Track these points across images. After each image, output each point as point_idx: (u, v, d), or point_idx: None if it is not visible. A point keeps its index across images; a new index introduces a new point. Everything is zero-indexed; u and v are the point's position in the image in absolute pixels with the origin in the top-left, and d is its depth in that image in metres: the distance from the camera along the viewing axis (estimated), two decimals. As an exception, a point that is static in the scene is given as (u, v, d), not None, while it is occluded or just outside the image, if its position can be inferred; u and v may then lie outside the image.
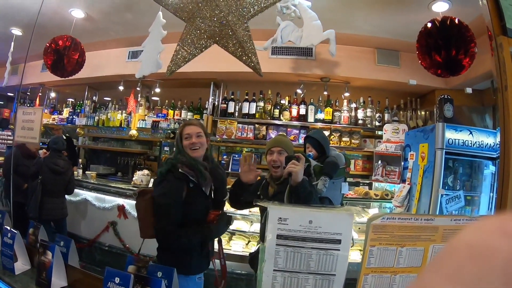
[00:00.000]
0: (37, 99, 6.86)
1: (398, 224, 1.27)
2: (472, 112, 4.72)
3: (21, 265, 2.26)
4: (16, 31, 5.21)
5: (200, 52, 2.89)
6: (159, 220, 2.08)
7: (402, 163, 4.20)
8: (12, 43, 5.12)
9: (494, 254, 0.29)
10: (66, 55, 4.22)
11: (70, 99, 6.73)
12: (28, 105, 7.03)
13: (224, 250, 4.15)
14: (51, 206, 4.36)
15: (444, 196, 3.55)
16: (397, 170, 4.27)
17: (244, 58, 2.86)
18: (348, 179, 4.86)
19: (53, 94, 6.93)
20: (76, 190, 4.88)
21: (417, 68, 4.46)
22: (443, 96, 4.04)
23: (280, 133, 4.63)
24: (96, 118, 6.00)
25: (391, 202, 4.09)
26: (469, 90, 4.36)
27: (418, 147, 3.82)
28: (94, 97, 6.46)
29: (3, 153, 6.51)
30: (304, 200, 1.93)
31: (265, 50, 3.67)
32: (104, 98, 6.44)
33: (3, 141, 7.08)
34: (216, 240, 2.26)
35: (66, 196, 4.62)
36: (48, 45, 4.19)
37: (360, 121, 4.67)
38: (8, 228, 2.32)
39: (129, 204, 4.51)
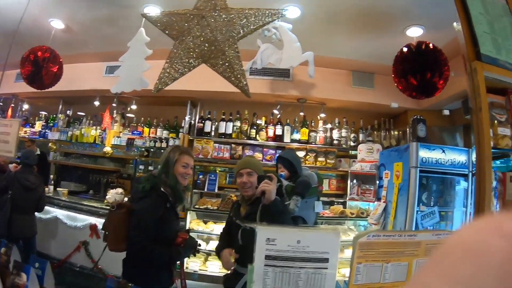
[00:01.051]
0: (9, 110, 6.62)
1: (383, 241, 1.33)
2: (443, 131, 4.88)
3: None
4: None
5: (189, 71, 2.92)
6: (137, 234, 2.15)
7: (377, 181, 4.34)
8: None
9: (490, 253, 0.28)
10: (45, 67, 4.10)
11: (43, 112, 6.55)
12: (0, 116, 6.70)
13: (200, 270, 4.13)
14: (20, 223, 4.17)
15: (419, 212, 3.64)
16: (372, 188, 4.37)
17: (232, 79, 2.89)
18: (322, 198, 4.91)
19: (26, 106, 6.75)
20: (46, 208, 4.71)
21: (391, 90, 4.65)
22: (416, 116, 4.17)
23: (248, 154, 4.67)
24: (70, 133, 5.84)
25: (366, 220, 4.22)
26: (446, 112, 4.49)
27: (393, 166, 3.92)
28: (68, 111, 6.27)
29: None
30: (277, 219, 1.97)
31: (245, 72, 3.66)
32: (78, 113, 6.29)
33: None
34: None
35: (36, 213, 4.45)
36: (26, 55, 4.07)
37: (335, 141, 4.81)
38: None
39: (102, 223, 4.25)
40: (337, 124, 4.84)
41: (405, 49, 3.35)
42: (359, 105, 4.84)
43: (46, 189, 5.01)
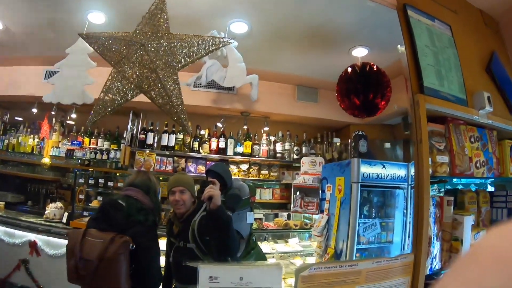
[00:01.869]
0: None
1: (325, 273, 1.38)
2: (384, 144, 5.00)
3: None
4: None
5: (126, 101, 2.68)
6: (156, 274, 2.20)
7: (320, 194, 4.29)
8: None
9: None
10: None
11: None
12: None
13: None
14: None
15: (361, 224, 3.70)
16: (315, 201, 4.42)
17: (172, 114, 2.74)
18: (265, 209, 4.91)
19: None
20: None
21: (334, 105, 4.69)
22: (357, 132, 4.26)
23: (180, 172, 4.58)
24: (6, 141, 5.56)
25: (310, 231, 4.34)
26: (387, 145, 4.63)
27: (335, 180, 3.95)
28: (4, 117, 5.90)
29: None
30: (224, 224, 1.98)
31: (189, 86, 3.58)
32: (16, 118, 5.96)
33: None
34: None
35: None
36: None
37: (278, 154, 4.91)
38: None
39: (42, 240, 4.23)
40: (280, 137, 4.93)
41: (349, 69, 3.42)
42: (302, 119, 4.96)
43: None
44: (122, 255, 2.02)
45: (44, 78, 5.03)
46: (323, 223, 3.99)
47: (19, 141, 5.42)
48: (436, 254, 2.27)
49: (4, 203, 5.02)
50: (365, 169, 3.73)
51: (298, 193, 4.62)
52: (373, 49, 3.68)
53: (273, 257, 4.03)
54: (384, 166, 3.94)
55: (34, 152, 5.35)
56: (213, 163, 4.19)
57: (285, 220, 4.63)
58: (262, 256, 2.99)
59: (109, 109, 2.75)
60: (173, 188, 2.28)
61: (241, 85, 3.44)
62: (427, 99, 2.07)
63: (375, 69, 3.39)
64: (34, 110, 5.21)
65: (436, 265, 2.26)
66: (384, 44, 3.49)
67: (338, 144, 5.06)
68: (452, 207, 2.38)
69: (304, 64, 4.26)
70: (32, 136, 5.40)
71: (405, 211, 3.99)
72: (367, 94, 3.40)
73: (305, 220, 4.65)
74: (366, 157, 4.03)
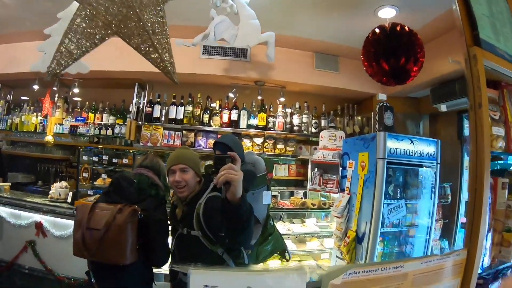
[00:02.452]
0: None
1: (363, 278, 1.04)
2: (407, 118, 4.56)
3: None
4: None
5: (94, 46, 2.22)
6: (163, 250, 2.11)
7: (340, 171, 3.97)
8: None
9: None
10: None
11: None
12: None
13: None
14: None
15: (385, 206, 3.39)
16: (334, 178, 4.00)
17: (152, 55, 2.17)
18: (281, 187, 4.49)
19: None
20: None
21: (356, 74, 4.47)
22: (382, 103, 3.80)
23: (183, 146, 4.17)
24: (9, 121, 5.38)
25: (329, 211, 4.03)
26: (444, 107, 4.19)
27: (358, 156, 3.63)
28: (8, 96, 5.75)
29: None
30: (244, 219, 1.53)
31: (194, 47, 3.22)
32: (22, 98, 5.75)
33: None
34: None
35: None
36: None
37: (295, 127, 4.54)
38: None
39: (48, 221, 4.09)
40: (297, 109, 4.58)
41: (377, 30, 3.03)
42: (321, 89, 4.58)
43: None
44: (129, 224, 1.99)
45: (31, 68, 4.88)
46: (344, 203, 3.68)
47: (22, 120, 5.25)
48: (488, 248, 1.90)
49: (9, 184, 4.86)
50: (392, 144, 3.41)
51: (316, 169, 4.24)
52: (402, 9, 3.30)
53: (288, 237, 3.76)
54: (412, 142, 3.58)
55: (37, 130, 5.17)
56: (222, 135, 3.64)
57: (302, 198, 4.26)
58: (281, 244, 2.61)
59: (75, 56, 2.26)
60: (173, 166, 1.98)
61: (255, 44, 3.09)
62: (484, 53, 1.62)
63: (406, 29, 2.99)
64: (36, 87, 5.00)
65: (487, 262, 1.89)
66: (414, 3, 3.17)
67: (359, 118, 4.62)
68: (506, 191, 1.98)
69: (323, 28, 3.88)
70: (35, 114, 5.22)
71: (432, 193, 3.69)
72: (398, 58, 2.98)
73: (323, 199, 4.26)
74: (392, 131, 3.63)
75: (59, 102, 5.07)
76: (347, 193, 3.67)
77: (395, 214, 3.45)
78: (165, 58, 2.18)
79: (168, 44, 2.22)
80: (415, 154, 3.49)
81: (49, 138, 4.97)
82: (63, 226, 4.03)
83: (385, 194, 3.37)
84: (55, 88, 4.94)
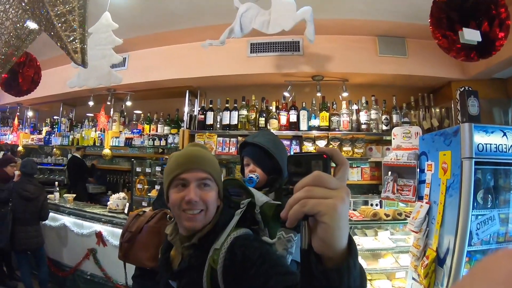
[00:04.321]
0: (16, 119, 6.70)
1: None
2: (494, 105, 3.93)
3: None
4: None
5: (22, 42, 2.06)
6: None
7: (418, 175, 3.32)
8: None
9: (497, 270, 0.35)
10: (21, 72, 3.80)
11: (54, 117, 6.53)
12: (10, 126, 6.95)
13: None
14: (24, 235, 4.08)
15: (474, 218, 2.65)
16: (411, 184, 3.34)
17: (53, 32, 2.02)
18: (353, 194, 3.91)
19: (30, 113, 6.73)
20: (55, 215, 4.71)
21: (428, 57, 3.78)
22: (464, 88, 3.13)
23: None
24: (71, 137, 5.67)
25: (405, 223, 3.43)
26: None
27: (438, 156, 2.95)
28: (70, 114, 6.18)
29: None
30: None
31: (223, 45, 2.81)
32: (87, 114, 6.15)
33: None
34: None
35: (43, 222, 4.40)
36: None
37: (363, 126, 4.01)
38: None
39: (107, 231, 4.27)
40: (364, 105, 4.16)
41: None
42: (389, 79, 4.07)
43: (52, 196, 5.07)
44: (159, 227, 1.95)
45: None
46: (422, 214, 3.07)
47: (83, 135, 5.46)
48: None
49: (74, 195, 5.20)
50: (480, 138, 2.71)
51: (389, 173, 3.65)
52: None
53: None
54: (505, 134, 2.81)
55: (96, 144, 5.34)
56: (255, 133, 2.56)
57: (375, 208, 3.76)
58: None
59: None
60: (184, 173, 1.14)
61: (292, 25, 2.70)
62: None
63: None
64: (91, 103, 5.20)
65: None
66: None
67: (437, 110, 3.90)
68: None
69: (383, 4, 3.34)
70: (94, 129, 5.42)
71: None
72: (479, 23, 2.36)
73: (401, 205, 3.78)
74: (478, 122, 2.87)
75: (115, 116, 5.18)
76: (426, 202, 3.05)
77: (486, 228, 2.73)
78: (71, 35, 2.00)
79: (82, 24, 1.97)
80: (509, 150, 2.73)
81: (106, 151, 5.12)
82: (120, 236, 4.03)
83: (473, 203, 2.65)
84: (108, 103, 5.02)
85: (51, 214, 4.58)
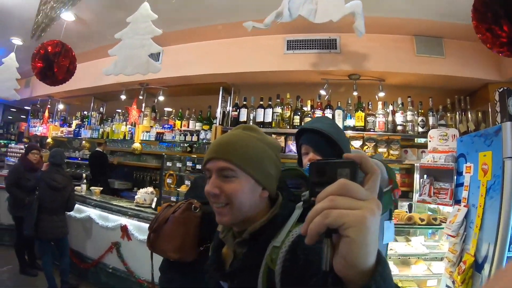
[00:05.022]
0: (46, 112, 6.86)
1: None
2: None
3: None
4: (17, 41, 5.01)
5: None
6: None
7: (455, 178, 3.24)
8: (13, 53, 4.85)
9: None
10: (56, 62, 3.83)
11: (83, 112, 6.69)
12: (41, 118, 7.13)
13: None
14: (48, 224, 4.12)
15: None
16: (448, 187, 3.33)
17: None
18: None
19: (61, 106, 6.87)
20: (81, 207, 4.85)
21: (465, 58, 3.73)
22: (502, 89, 3.06)
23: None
24: (101, 130, 5.77)
25: (441, 228, 3.33)
26: None
27: (478, 157, 2.87)
28: (101, 108, 6.29)
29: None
30: None
31: (267, 28, 2.83)
32: (117, 110, 6.18)
33: (16, 154, 6.93)
34: None
35: (68, 213, 4.45)
36: (36, 51, 3.92)
37: (399, 127, 3.97)
38: None
39: (132, 225, 4.31)
40: (400, 106, 4.14)
41: None
42: (426, 80, 4.01)
43: (79, 188, 5.14)
44: (185, 218, 1.97)
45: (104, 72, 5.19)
46: (460, 218, 2.99)
47: (113, 129, 5.56)
48: None
49: (101, 188, 5.24)
50: None
51: (425, 176, 3.56)
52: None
53: (390, 258, 3.19)
54: None
55: (126, 138, 5.40)
56: (313, 118, 2.69)
57: (407, 212, 3.71)
58: None
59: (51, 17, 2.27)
60: (208, 163, 1.03)
61: (340, 17, 2.66)
62: None
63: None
64: (123, 97, 5.31)
65: None
66: None
67: (473, 113, 3.82)
68: None
69: (421, 3, 3.30)
70: (124, 123, 5.50)
71: None
72: None
73: (430, 212, 3.66)
74: None
75: (147, 111, 5.25)
76: (464, 206, 2.98)
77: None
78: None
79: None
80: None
81: (136, 145, 5.15)
82: (146, 231, 3.93)
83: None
84: (141, 97, 5.07)
85: (76, 206, 4.65)
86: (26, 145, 5.57)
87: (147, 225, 3.96)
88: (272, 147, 1.06)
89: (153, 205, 4.41)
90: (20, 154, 5.58)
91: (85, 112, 6.66)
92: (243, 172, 0.99)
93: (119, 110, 6.14)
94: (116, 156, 7.12)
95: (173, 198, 4.54)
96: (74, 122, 6.49)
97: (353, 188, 0.52)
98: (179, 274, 2.08)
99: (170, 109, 5.58)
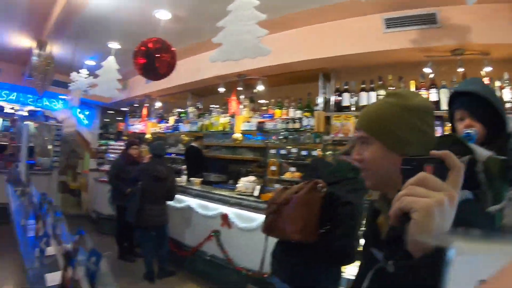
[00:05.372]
0: (144, 110, 8.18)
1: None
2: None
3: (52, 277, 2.06)
4: (114, 45, 5.99)
5: None
6: (352, 235, 2.09)
7: None
8: (111, 57, 5.91)
9: None
10: (157, 57, 4.58)
11: (178, 110, 7.83)
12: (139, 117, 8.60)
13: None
14: (150, 212, 4.92)
15: None
16: None
17: None
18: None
19: (158, 104, 8.18)
20: (180, 197, 5.62)
21: None
22: None
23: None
24: (200, 123, 6.78)
25: None
26: None
27: None
28: (198, 104, 7.34)
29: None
30: None
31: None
32: (210, 106, 7.16)
33: (115, 151, 8.47)
34: None
35: (168, 202, 5.25)
36: (137, 48, 4.63)
37: (507, 104, 4.10)
38: (46, 233, 2.32)
39: (233, 213, 4.90)
40: (506, 81, 4.28)
41: None
42: None
43: (179, 179, 6.03)
44: (308, 199, 2.13)
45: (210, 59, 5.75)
46: None
47: (212, 122, 6.48)
48: None
49: (201, 179, 6.06)
50: None
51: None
52: None
53: None
54: None
55: (225, 129, 6.24)
56: (465, 80, 2.72)
57: None
58: None
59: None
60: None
61: None
62: None
63: None
64: (221, 89, 6.21)
65: None
66: None
67: None
68: None
69: None
70: (223, 115, 6.36)
71: None
72: None
73: None
74: None
75: (245, 102, 6.00)
76: None
77: None
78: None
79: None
80: None
81: (237, 135, 5.90)
82: (247, 219, 4.71)
83: None
84: (239, 89, 5.85)
85: (176, 196, 5.36)
86: (126, 142, 6.65)
87: (249, 213, 4.68)
88: (416, 112, 1.13)
89: (256, 193, 4.89)
90: (121, 150, 6.67)
91: (180, 110, 7.69)
92: (376, 139, 1.15)
93: (215, 106, 6.83)
94: (213, 150, 7.93)
95: (277, 185, 4.97)
96: (171, 118, 7.65)
97: (428, 179, 0.72)
98: (298, 258, 2.21)
99: (266, 101, 6.17)
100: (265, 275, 3.95)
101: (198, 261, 5.32)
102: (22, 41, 7.10)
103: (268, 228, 2.35)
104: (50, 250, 2.19)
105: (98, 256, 1.59)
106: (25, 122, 8.08)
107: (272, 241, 2.45)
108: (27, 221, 3.17)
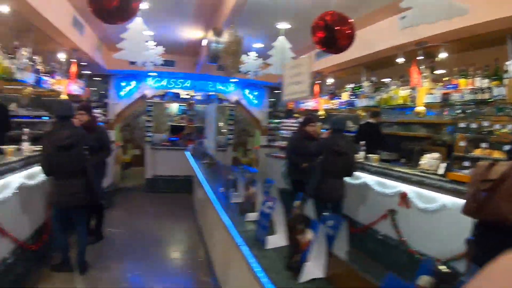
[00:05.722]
0: (316, 87, 9.27)
1: None
2: None
3: (274, 239, 2.35)
4: (283, 25, 6.78)
5: None
6: None
7: None
8: (282, 37, 6.79)
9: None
10: (337, 29, 4.94)
11: (350, 85, 8.45)
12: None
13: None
14: (330, 186, 5.37)
15: None
16: None
17: None
18: None
19: (330, 80, 9.06)
20: (356, 173, 5.92)
21: None
22: None
23: None
24: (377, 97, 7.28)
25: None
26: None
27: None
28: (372, 78, 7.83)
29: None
30: None
31: None
32: (382, 81, 7.69)
33: (288, 127, 9.93)
34: None
35: (345, 178, 5.60)
36: (315, 23, 4.99)
37: None
38: (270, 196, 2.56)
39: (414, 192, 5.02)
40: None
41: None
42: None
43: (357, 155, 6.34)
44: None
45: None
46: None
47: (390, 95, 6.96)
48: None
49: (378, 156, 6.47)
50: None
51: None
52: None
53: None
54: None
55: (406, 103, 6.65)
56: None
57: None
58: None
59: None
60: None
61: None
62: None
63: None
64: (399, 60, 6.65)
65: None
66: None
67: None
68: None
69: None
70: (402, 88, 6.80)
71: None
72: None
73: None
74: None
75: (426, 72, 6.28)
76: None
77: None
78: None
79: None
80: None
81: (420, 108, 6.18)
82: (429, 199, 4.78)
83: None
84: (420, 58, 6.21)
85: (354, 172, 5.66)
86: (303, 119, 7.23)
87: (430, 193, 4.71)
88: None
89: (441, 171, 4.79)
90: (296, 127, 7.65)
91: (350, 86, 8.32)
92: None
93: (388, 79, 7.26)
94: (385, 126, 8.20)
95: (466, 163, 5.03)
96: (344, 94, 8.35)
97: None
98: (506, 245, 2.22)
99: (448, 70, 6.27)
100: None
101: (368, 240, 5.63)
102: (193, 33, 8.75)
103: (478, 208, 2.28)
104: (275, 214, 2.46)
105: (339, 220, 1.91)
106: (210, 105, 9.64)
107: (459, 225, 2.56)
108: (229, 190, 4.01)
